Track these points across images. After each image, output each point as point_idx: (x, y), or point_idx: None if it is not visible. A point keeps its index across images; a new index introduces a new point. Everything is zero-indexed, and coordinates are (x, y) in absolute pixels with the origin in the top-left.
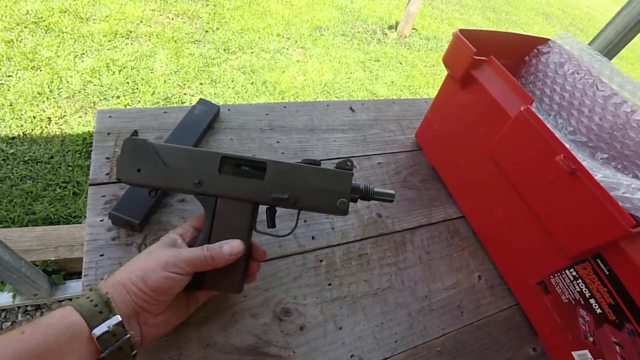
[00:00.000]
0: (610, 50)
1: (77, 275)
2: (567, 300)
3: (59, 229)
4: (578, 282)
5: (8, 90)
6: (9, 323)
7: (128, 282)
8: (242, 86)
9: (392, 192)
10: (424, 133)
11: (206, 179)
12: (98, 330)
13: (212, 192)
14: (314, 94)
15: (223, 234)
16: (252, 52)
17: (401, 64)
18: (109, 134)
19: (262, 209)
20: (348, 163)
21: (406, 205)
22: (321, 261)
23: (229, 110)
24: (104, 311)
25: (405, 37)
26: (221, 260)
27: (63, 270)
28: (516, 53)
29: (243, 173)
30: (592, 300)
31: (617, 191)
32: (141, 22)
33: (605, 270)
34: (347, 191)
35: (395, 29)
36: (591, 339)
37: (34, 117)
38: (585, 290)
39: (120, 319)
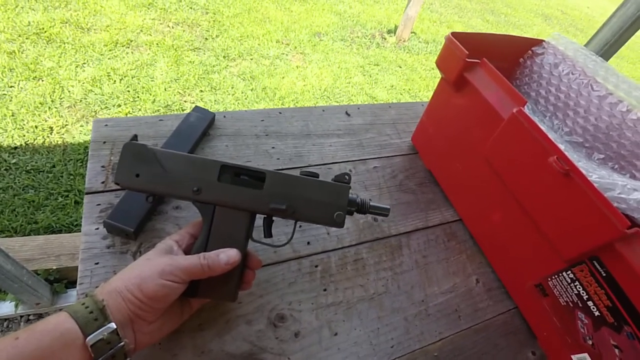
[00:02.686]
0: (607, 50)
1: None
2: (565, 303)
3: (61, 237)
4: (575, 284)
5: (10, 100)
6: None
7: (124, 290)
8: (242, 92)
9: (388, 206)
10: (420, 136)
11: (205, 186)
12: (92, 338)
13: (211, 200)
14: (313, 99)
15: (220, 242)
16: (251, 59)
17: (400, 67)
18: (104, 142)
19: (258, 217)
20: (346, 177)
21: (402, 209)
22: (316, 266)
23: (224, 117)
24: (99, 318)
25: (404, 41)
26: (217, 269)
27: (65, 279)
28: (510, 55)
29: (242, 182)
30: (589, 303)
31: (612, 192)
32: (141, 31)
33: (602, 272)
34: (344, 204)
35: (394, 33)
36: (590, 342)
37: (36, 126)
38: (583, 293)
39: (115, 327)
